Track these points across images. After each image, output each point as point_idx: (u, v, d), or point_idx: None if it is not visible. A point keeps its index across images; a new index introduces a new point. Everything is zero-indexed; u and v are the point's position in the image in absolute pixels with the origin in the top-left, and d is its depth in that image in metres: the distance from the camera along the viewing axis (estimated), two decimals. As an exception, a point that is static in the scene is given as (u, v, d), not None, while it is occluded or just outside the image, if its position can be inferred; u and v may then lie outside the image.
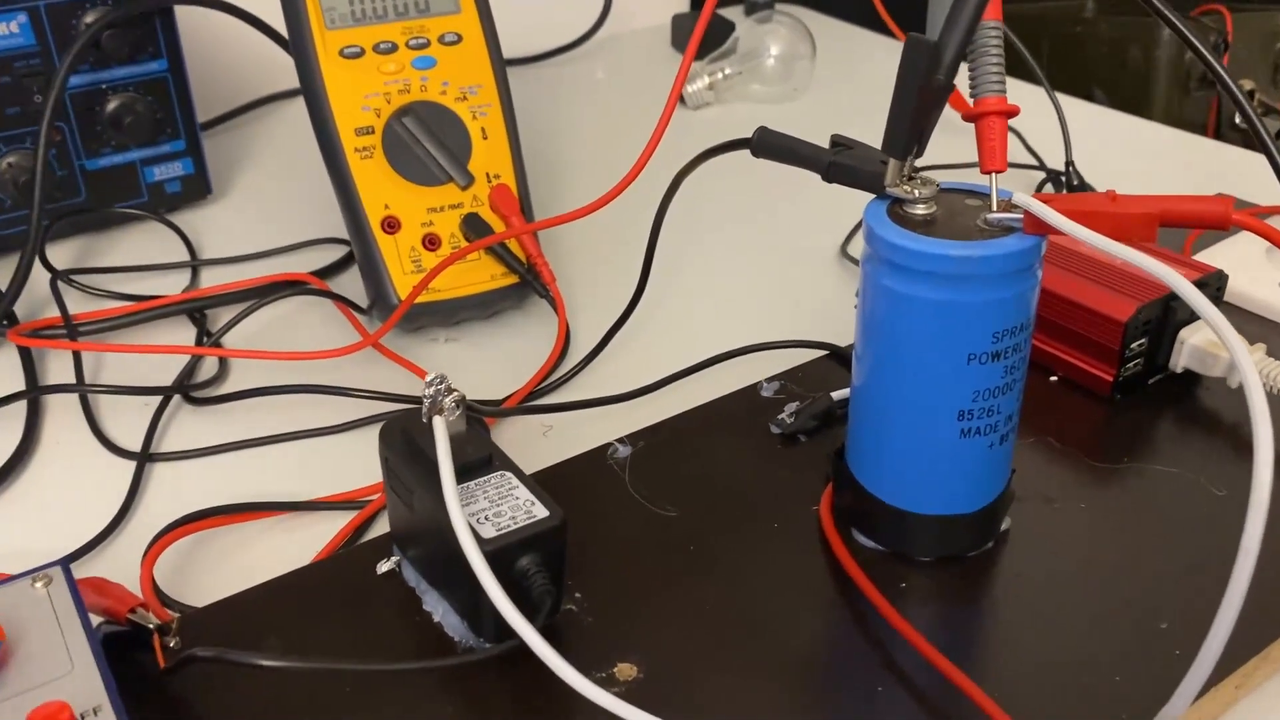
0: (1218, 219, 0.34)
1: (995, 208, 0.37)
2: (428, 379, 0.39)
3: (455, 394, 0.38)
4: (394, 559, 0.42)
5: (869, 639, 0.39)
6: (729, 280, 0.65)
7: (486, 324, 0.61)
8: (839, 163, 0.40)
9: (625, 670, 0.37)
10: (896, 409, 0.39)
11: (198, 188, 0.73)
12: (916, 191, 0.38)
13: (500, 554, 0.35)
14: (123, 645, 0.37)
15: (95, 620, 0.37)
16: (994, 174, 0.37)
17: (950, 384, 0.38)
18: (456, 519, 0.35)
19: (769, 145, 0.42)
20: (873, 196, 0.39)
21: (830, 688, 0.37)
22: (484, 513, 0.37)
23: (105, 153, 0.69)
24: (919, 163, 0.39)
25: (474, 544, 0.35)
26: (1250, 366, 0.29)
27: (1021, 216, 0.36)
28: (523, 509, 0.37)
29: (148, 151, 0.71)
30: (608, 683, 0.37)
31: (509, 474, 0.39)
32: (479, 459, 0.39)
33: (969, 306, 0.36)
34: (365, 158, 0.58)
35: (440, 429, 0.38)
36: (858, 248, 0.67)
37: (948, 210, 0.38)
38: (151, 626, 0.36)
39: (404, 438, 0.40)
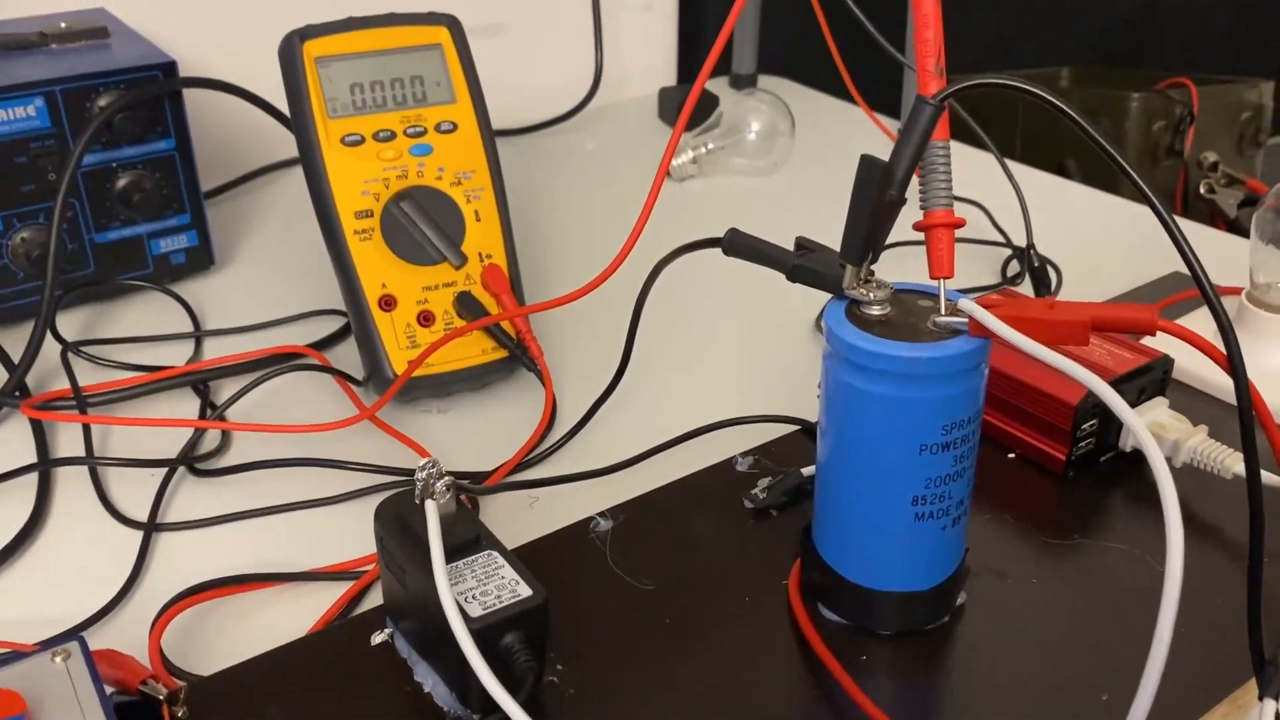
0: (1144, 326, 0.38)
1: (944, 311, 0.40)
2: (421, 464, 0.42)
3: (446, 478, 0.41)
4: (387, 630, 0.44)
5: (831, 711, 0.42)
6: (708, 354, 0.68)
7: (477, 395, 0.64)
8: (802, 265, 0.43)
9: (605, 740, 0.40)
10: (856, 493, 0.42)
11: (202, 258, 0.77)
12: (872, 294, 0.41)
13: (486, 632, 0.38)
14: (134, 715, 0.40)
15: (108, 690, 0.40)
16: (942, 280, 0.40)
17: (904, 472, 0.41)
18: (446, 599, 0.38)
19: (739, 246, 0.46)
20: (831, 296, 0.42)
21: (794, 756, 0.40)
22: (471, 591, 0.40)
23: (114, 226, 0.73)
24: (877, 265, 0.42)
25: (461, 622, 0.38)
26: (1159, 460, 0.33)
27: (968, 320, 0.39)
28: (508, 588, 0.40)
29: (154, 225, 0.74)
30: (586, 752, 0.39)
31: (495, 553, 0.42)
32: (467, 539, 0.42)
33: (920, 402, 0.40)
34: (364, 239, 0.62)
35: (432, 513, 0.41)
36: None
37: (902, 310, 0.42)
38: (161, 698, 0.38)
39: (397, 519, 0.43)
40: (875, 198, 0.39)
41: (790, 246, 0.45)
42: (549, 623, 0.41)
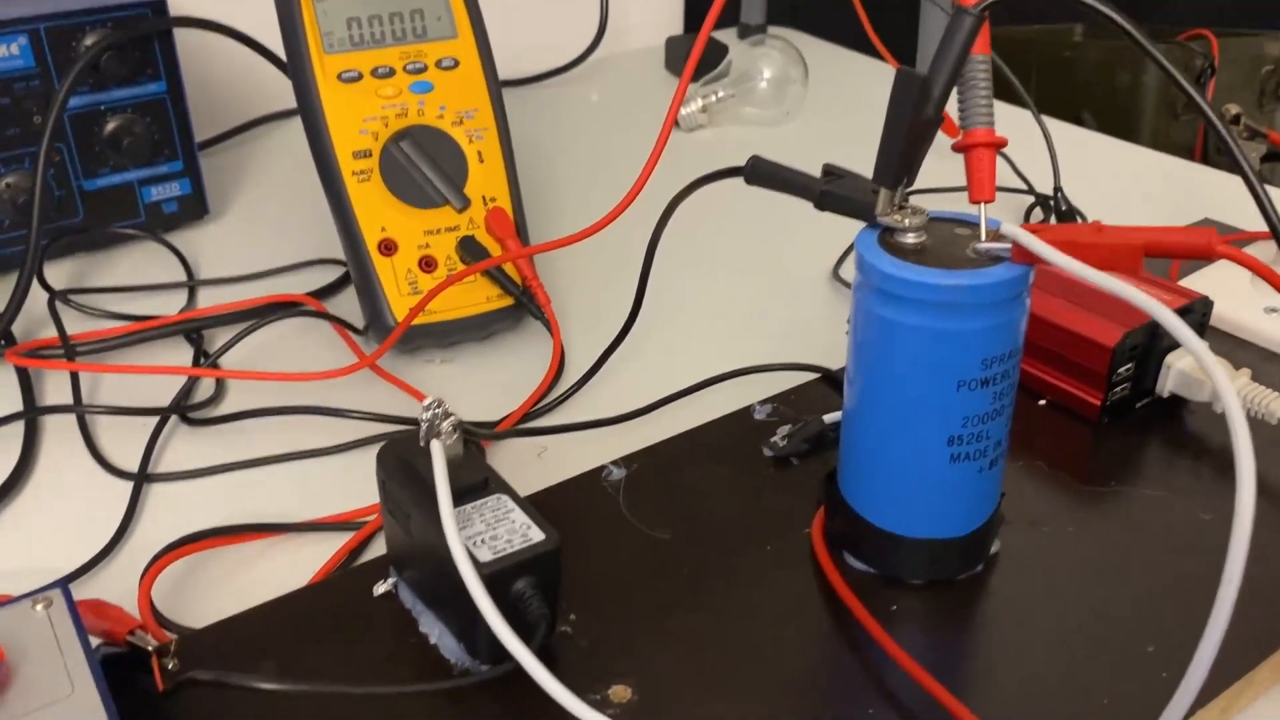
0: (1202, 250, 0.35)
1: (984, 237, 0.38)
2: (425, 403, 0.39)
3: (452, 418, 0.39)
4: (391, 580, 0.42)
5: (860, 662, 0.39)
6: (723, 303, 0.66)
7: (482, 346, 0.62)
8: (831, 191, 0.41)
9: (620, 693, 0.38)
10: (887, 434, 0.40)
11: (195, 208, 0.74)
12: (907, 221, 0.39)
13: (497, 577, 0.36)
14: (122, 667, 0.37)
15: (94, 642, 0.37)
16: (983, 204, 0.38)
17: (940, 410, 0.38)
18: (454, 543, 0.36)
19: (762, 173, 0.43)
20: (864, 225, 0.40)
21: (822, 710, 0.37)
22: (480, 535, 0.37)
23: (103, 173, 0.70)
24: (909, 190, 0.39)
25: (471, 567, 0.35)
26: (1232, 394, 0.30)
27: (1010, 246, 0.37)
28: (519, 532, 0.38)
29: (145, 172, 0.71)
30: (602, 705, 0.37)
31: (505, 497, 0.39)
32: (475, 482, 0.39)
33: (958, 334, 0.37)
34: (363, 180, 0.59)
35: (437, 453, 0.38)
36: (849, 271, 0.68)
37: (938, 239, 0.39)
38: (150, 649, 0.36)
39: (401, 462, 0.40)
40: (912, 115, 0.36)
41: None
42: (561, 569, 0.38)
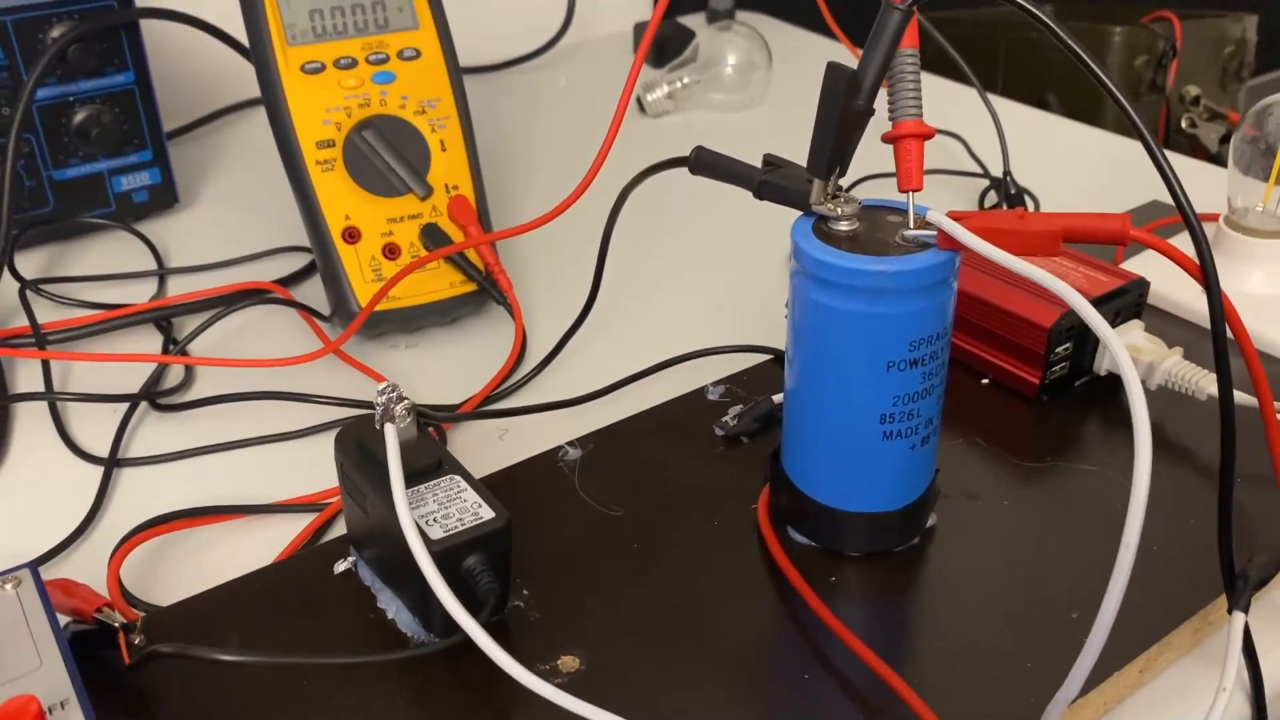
0: (1116, 235, 0.37)
1: (912, 225, 0.39)
2: (380, 387, 0.41)
3: (406, 402, 0.41)
4: (350, 559, 0.44)
5: (800, 631, 0.41)
6: (680, 286, 0.67)
7: (446, 330, 0.63)
8: (769, 181, 0.42)
9: (568, 662, 0.39)
10: (824, 413, 0.42)
11: (165, 197, 0.75)
12: (840, 209, 0.40)
13: (447, 554, 0.38)
14: (90, 643, 0.39)
15: (63, 620, 0.39)
16: (910, 192, 0.39)
17: (871, 390, 0.40)
18: (405, 522, 0.37)
19: (705, 163, 0.45)
20: (800, 214, 0.41)
21: (763, 677, 0.39)
22: (433, 515, 0.39)
23: (73, 163, 0.71)
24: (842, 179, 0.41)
25: (421, 545, 0.37)
26: (1128, 365, 0.32)
27: (936, 233, 0.39)
28: (470, 511, 0.39)
29: (115, 162, 0.72)
30: (551, 674, 0.39)
31: (458, 477, 0.41)
32: (429, 464, 0.41)
33: (886, 318, 0.39)
34: (326, 170, 0.60)
35: (391, 436, 0.40)
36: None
37: (870, 226, 0.41)
38: (117, 625, 0.38)
39: (358, 445, 0.42)
40: (842, 107, 0.38)
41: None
42: (511, 546, 0.40)
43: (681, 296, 0.66)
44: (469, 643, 0.36)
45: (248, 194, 0.79)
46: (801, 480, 0.44)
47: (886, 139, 0.40)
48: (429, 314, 0.61)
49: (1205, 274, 0.36)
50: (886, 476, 0.42)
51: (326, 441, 0.54)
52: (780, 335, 0.59)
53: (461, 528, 0.39)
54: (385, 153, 0.61)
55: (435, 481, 0.41)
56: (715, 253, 0.71)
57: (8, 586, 0.37)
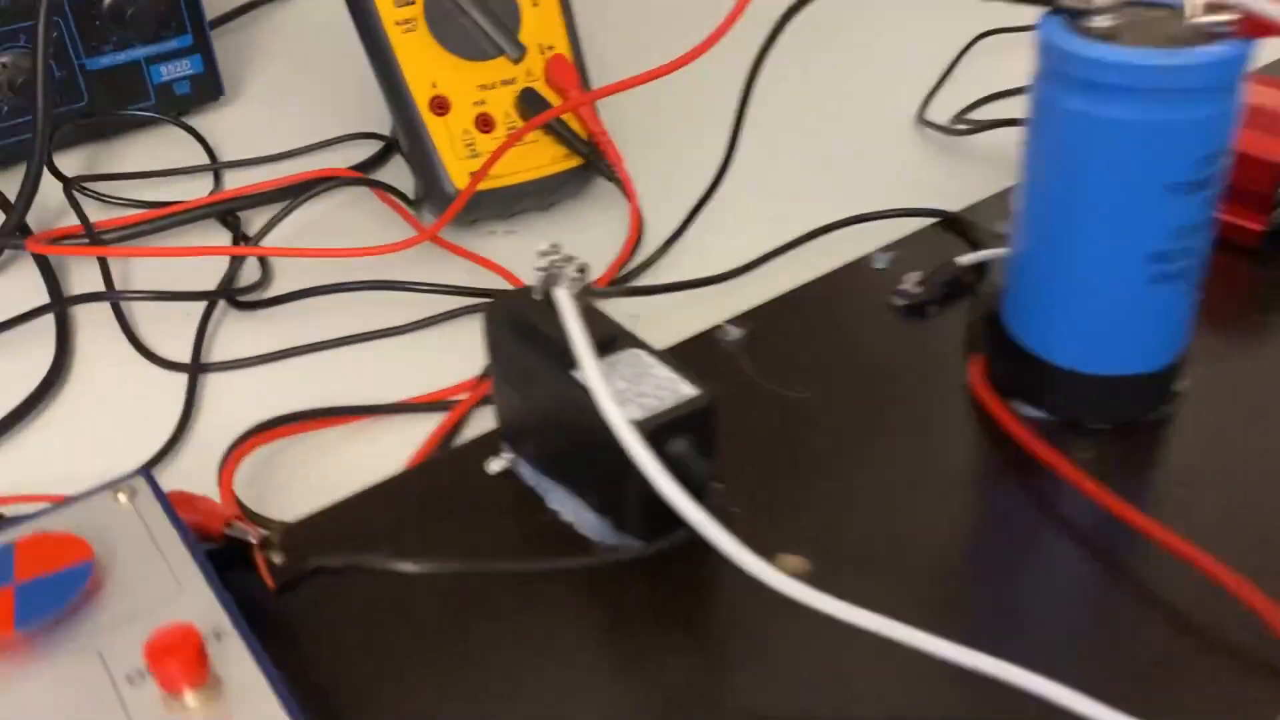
0: None
1: (1196, 10, 0.32)
2: (541, 249, 0.34)
3: (577, 262, 0.33)
4: (506, 456, 0.37)
5: (1047, 506, 0.35)
6: (801, 154, 0.60)
7: (546, 215, 0.56)
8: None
9: (793, 563, 0.33)
10: (1077, 256, 0.35)
11: (209, 88, 0.67)
12: (1095, 1, 0.33)
13: (656, 435, 0.31)
14: (218, 565, 0.32)
15: (183, 538, 0.32)
16: (1195, -27, 0.32)
17: (1144, 221, 0.33)
18: (604, 399, 0.30)
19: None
20: (1044, 11, 0.34)
21: (1033, 568, 0.33)
22: (624, 393, 0.32)
23: (106, 50, 0.63)
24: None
25: (627, 425, 0.30)
26: None
27: (1228, 20, 0.31)
28: (666, 387, 0.33)
29: (152, 49, 0.64)
30: (776, 576, 0.32)
31: (640, 351, 0.34)
32: (606, 336, 0.34)
33: (1172, 127, 0.32)
34: (408, 31, 0.53)
35: (565, 302, 0.33)
36: (938, 111, 0.62)
37: (1131, 24, 0.33)
38: (253, 541, 0.31)
39: (514, 319, 0.35)
40: None
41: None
42: (716, 427, 0.33)
43: (803, 165, 0.59)
44: (679, 544, 0.30)
45: (299, 84, 0.71)
46: (1038, 342, 0.37)
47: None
48: (529, 194, 0.54)
49: None
50: (1150, 330, 0.35)
51: (437, 337, 0.48)
52: (937, 197, 0.52)
53: (662, 406, 0.32)
54: (472, 9, 0.53)
55: (615, 356, 0.34)
56: (835, 116, 0.63)
57: (121, 497, 0.30)
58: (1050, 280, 0.36)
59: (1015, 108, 0.62)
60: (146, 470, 0.31)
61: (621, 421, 0.30)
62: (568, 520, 0.35)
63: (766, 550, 0.33)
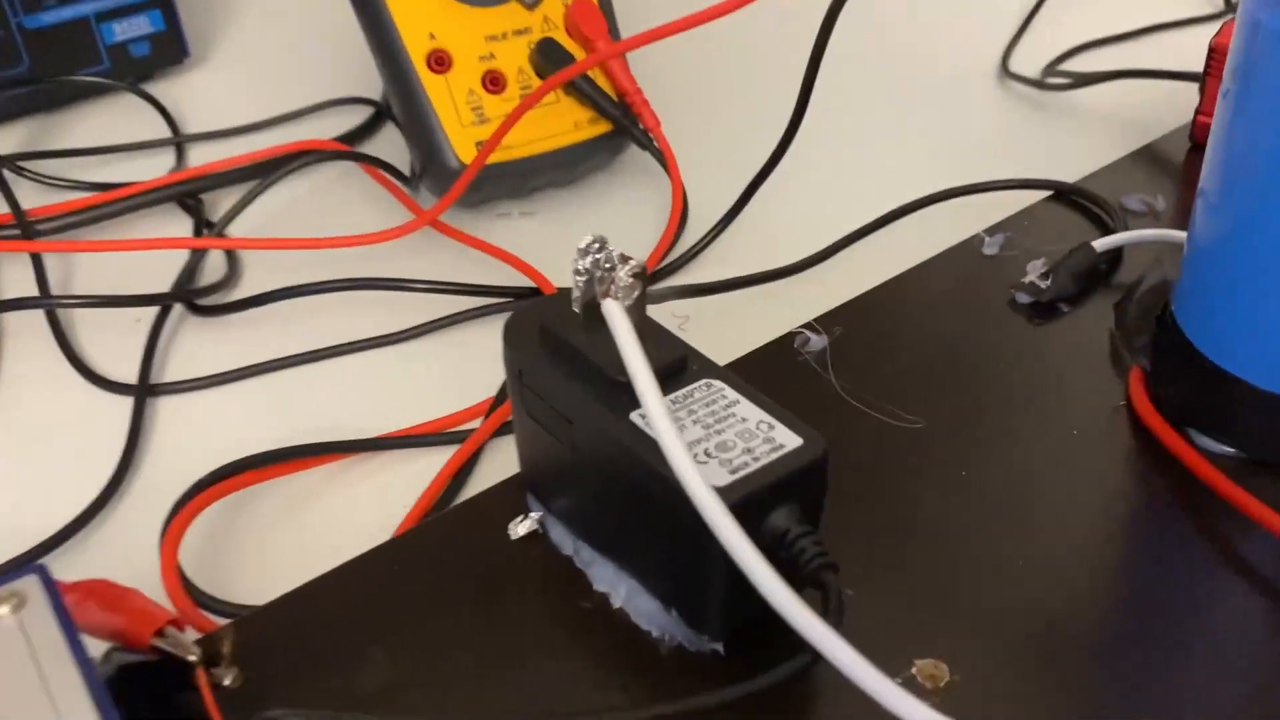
0: None
1: None
2: (582, 244, 0.25)
3: (632, 263, 0.24)
4: (534, 514, 0.28)
5: (1258, 576, 0.26)
6: (870, 115, 0.51)
7: (567, 194, 0.47)
8: None
9: (932, 671, 0.24)
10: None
11: (171, 49, 0.58)
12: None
13: (746, 507, 0.22)
14: (147, 682, 0.24)
15: (100, 647, 0.23)
16: None
17: None
18: (677, 454, 0.21)
19: None
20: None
21: (1213, 646, 0.24)
22: (700, 445, 0.23)
23: (49, 5, 0.54)
24: None
25: (709, 492, 0.21)
26: None
27: None
28: (758, 436, 0.24)
29: (104, 4, 0.55)
30: (914, 690, 0.24)
31: (720, 383, 0.25)
32: (673, 363, 0.25)
33: None
34: (399, -29, 0.43)
35: (618, 317, 0.24)
36: (1023, 62, 0.52)
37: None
38: (192, 659, 0.22)
39: (546, 336, 0.26)
40: None
41: None
42: (828, 488, 0.24)
43: (873, 133, 0.50)
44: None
45: (274, 44, 0.62)
46: (1230, 357, 0.28)
47: None
48: (548, 167, 0.45)
49: None
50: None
51: (443, 345, 0.39)
52: (1033, 165, 0.43)
53: (756, 465, 0.23)
54: (477, -56, 0.44)
55: (687, 391, 0.25)
56: (902, 79, 0.54)
57: (3, 609, 0.21)
58: (1254, 275, 0.27)
59: (1120, 57, 0.54)
60: (41, 566, 0.22)
61: (702, 491, 0.21)
62: (619, 606, 0.26)
63: (900, 651, 0.25)
